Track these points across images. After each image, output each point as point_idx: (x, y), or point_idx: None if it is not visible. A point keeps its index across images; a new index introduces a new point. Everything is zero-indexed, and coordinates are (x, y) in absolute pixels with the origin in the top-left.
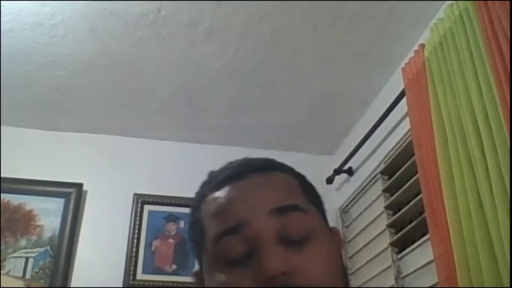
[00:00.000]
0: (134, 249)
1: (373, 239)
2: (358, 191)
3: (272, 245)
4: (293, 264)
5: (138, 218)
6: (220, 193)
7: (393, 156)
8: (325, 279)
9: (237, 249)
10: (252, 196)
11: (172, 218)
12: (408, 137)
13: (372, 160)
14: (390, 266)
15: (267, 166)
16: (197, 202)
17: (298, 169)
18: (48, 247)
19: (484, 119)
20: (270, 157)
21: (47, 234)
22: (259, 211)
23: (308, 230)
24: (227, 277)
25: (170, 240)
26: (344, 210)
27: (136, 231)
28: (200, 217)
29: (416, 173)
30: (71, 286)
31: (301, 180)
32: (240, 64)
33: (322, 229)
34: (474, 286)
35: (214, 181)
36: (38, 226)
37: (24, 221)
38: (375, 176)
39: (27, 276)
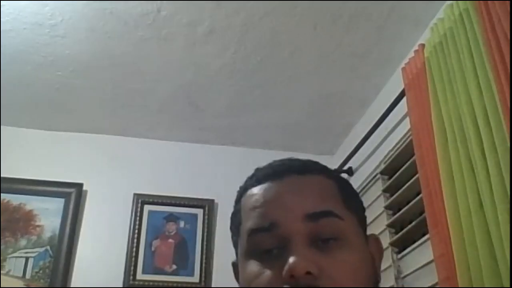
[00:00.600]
0: (134, 249)
1: None
2: (358, 191)
3: (301, 246)
4: (320, 266)
5: (138, 218)
6: (258, 190)
7: (393, 156)
8: (351, 285)
9: (269, 245)
10: (287, 199)
11: (172, 218)
12: (408, 137)
13: (372, 160)
14: (390, 266)
15: (307, 168)
16: (239, 195)
17: None
18: (48, 247)
19: (484, 119)
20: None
21: (47, 234)
22: (293, 215)
23: (339, 236)
24: (256, 269)
25: (170, 240)
26: None
27: (136, 231)
28: (239, 209)
29: (416, 173)
30: (71, 286)
31: (342, 184)
32: (240, 64)
33: (356, 236)
34: (474, 286)
35: (255, 177)
36: (38, 226)
37: (24, 221)
38: (375, 176)
39: (27, 276)
